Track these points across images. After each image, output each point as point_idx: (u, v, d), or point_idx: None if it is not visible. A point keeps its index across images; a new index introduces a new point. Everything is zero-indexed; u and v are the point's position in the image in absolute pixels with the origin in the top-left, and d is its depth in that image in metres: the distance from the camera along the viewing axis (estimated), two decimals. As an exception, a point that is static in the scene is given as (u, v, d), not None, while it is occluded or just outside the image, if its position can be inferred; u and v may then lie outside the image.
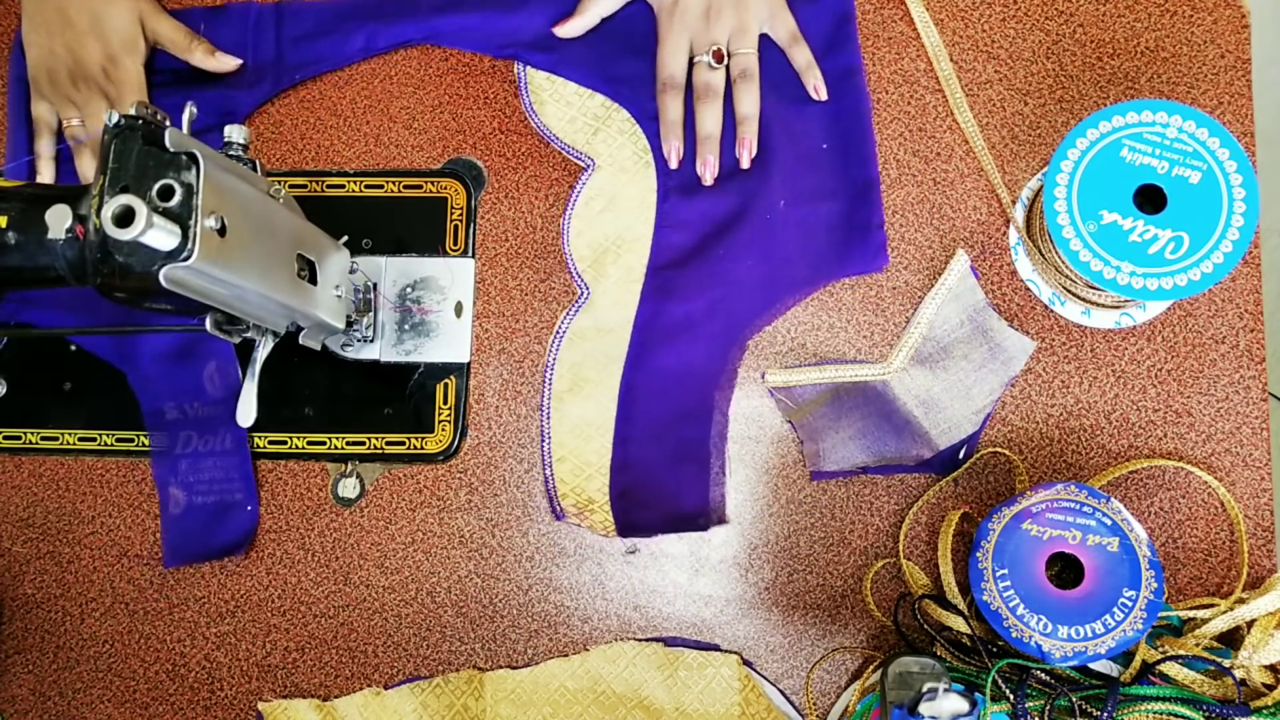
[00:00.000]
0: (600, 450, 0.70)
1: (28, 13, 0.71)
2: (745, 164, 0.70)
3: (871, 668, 0.66)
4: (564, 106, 0.73)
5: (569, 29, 0.72)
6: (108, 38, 0.70)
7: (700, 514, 0.69)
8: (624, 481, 0.70)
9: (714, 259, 0.71)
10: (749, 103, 0.70)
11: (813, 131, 0.72)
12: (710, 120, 0.70)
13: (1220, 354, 0.68)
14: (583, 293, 0.72)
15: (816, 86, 0.71)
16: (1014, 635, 0.60)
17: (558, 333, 0.71)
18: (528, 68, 0.74)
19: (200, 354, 0.73)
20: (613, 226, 0.72)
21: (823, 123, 0.72)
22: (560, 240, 0.72)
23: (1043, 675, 0.61)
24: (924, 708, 0.54)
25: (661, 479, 0.69)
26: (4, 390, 0.74)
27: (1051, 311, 0.69)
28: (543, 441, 0.70)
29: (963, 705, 0.54)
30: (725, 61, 0.70)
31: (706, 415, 0.70)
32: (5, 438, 0.74)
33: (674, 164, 0.71)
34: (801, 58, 0.71)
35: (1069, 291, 0.67)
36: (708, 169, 0.70)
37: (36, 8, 0.70)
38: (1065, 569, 0.64)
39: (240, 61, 0.74)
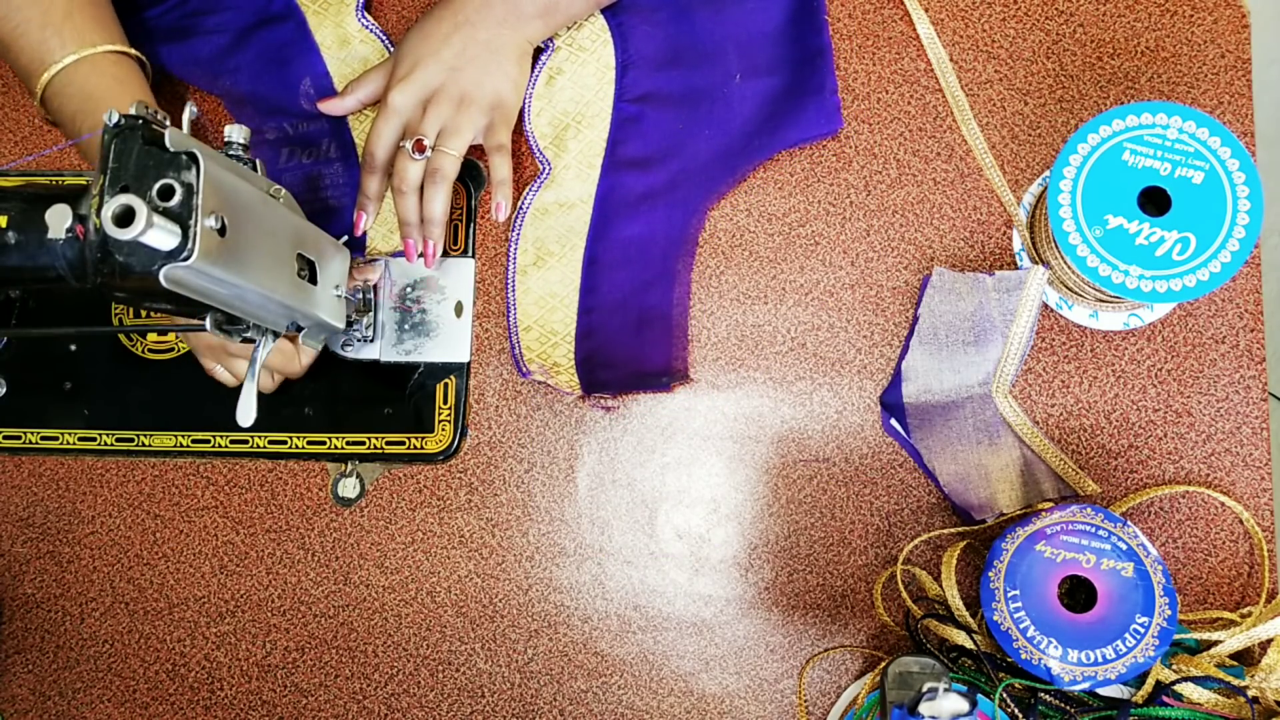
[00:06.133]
0: (565, 320, 0.71)
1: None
2: (430, 266, 0.70)
3: (881, 666, 0.66)
4: None
5: (331, 107, 0.72)
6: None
7: (664, 372, 0.70)
8: (589, 348, 0.71)
9: (672, 131, 0.72)
10: (436, 206, 0.68)
11: (767, 5, 0.73)
12: (406, 210, 0.69)
13: (1220, 354, 0.68)
14: (545, 169, 0.73)
15: (500, 204, 0.69)
16: (1023, 657, 0.59)
17: (521, 209, 0.72)
18: None
19: (292, 67, 0.74)
20: (572, 103, 0.73)
21: None
22: (522, 120, 0.73)
23: (1050, 698, 0.60)
24: (924, 708, 0.54)
25: (625, 344, 0.71)
26: (4, 390, 0.74)
27: (1053, 310, 0.69)
28: (509, 312, 0.71)
29: (963, 705, 0.54)
30: (426, 154, 0.67)
31: (668, 283, 0.71)
32: (5, 438, 0.74)
33: (358, 231, 0.71)
34: (498, 173, 0.70)
35: (1076, 294, 0.66)
36: (409, 252, 0.69)
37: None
38: (1076, 588, 0.62)
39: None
